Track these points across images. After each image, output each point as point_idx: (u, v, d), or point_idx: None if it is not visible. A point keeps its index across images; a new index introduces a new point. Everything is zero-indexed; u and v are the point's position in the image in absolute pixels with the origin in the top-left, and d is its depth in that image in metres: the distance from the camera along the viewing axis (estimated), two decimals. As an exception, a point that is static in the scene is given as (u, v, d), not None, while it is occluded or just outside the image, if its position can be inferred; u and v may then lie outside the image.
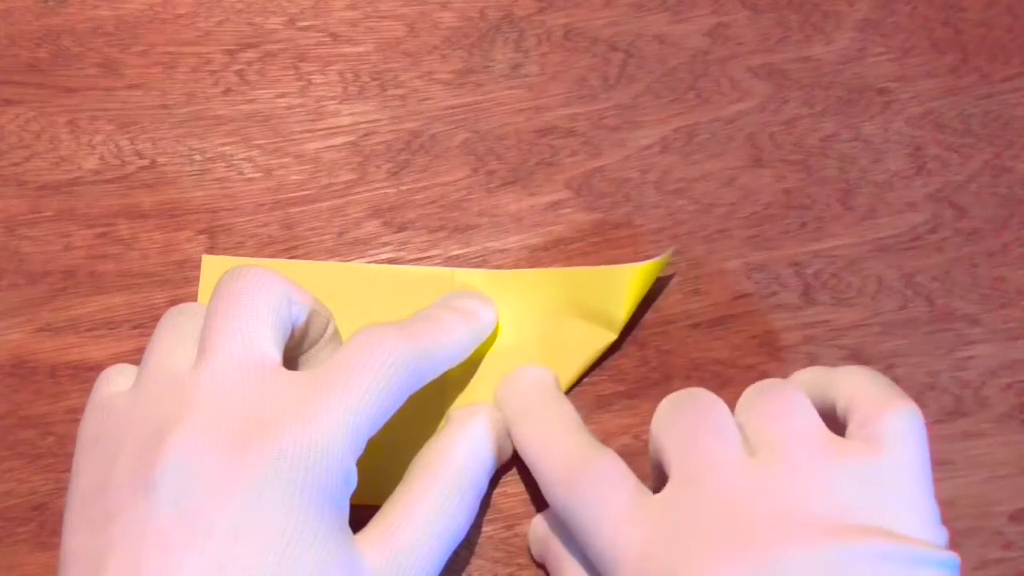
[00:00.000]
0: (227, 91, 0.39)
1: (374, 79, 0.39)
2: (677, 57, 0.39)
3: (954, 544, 0.32)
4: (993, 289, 0.37)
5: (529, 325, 0.36)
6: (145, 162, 0.38)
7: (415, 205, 0.38)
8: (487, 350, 0.36)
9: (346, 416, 0.28)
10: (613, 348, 0.36)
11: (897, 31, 0.39)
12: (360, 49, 0.39)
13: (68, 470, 0.30)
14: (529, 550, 0.35)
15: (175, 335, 0.30)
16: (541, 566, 0.35)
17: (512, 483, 0.36)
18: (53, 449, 0.36)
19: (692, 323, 0.37)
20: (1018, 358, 0.37)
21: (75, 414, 0.36)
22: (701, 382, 0.36)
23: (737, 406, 0.31)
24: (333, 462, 0.28)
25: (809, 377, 0.32)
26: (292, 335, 0.31)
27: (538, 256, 0.37)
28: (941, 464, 0.35)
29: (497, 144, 0.38)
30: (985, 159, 0.38)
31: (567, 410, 0.34)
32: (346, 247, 0.37)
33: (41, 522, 0.35)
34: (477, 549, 0.35)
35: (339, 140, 0.38)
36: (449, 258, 0.37)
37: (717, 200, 0.38)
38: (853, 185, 0.38)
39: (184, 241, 0.37)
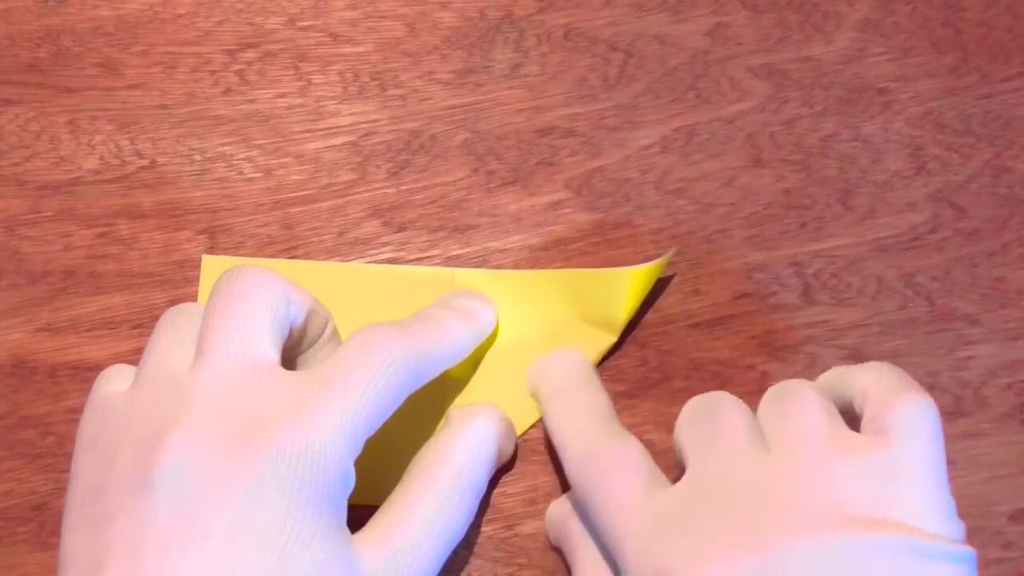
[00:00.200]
0: (227, 91, 0.39)
1: (374, 79, 0.39)
2: (677, 57, 0.39)
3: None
4: (993, 289, 0.37)
5: (529, 325, 0.36)
6: (145, 162, 0.38)
7: (415, 205, 0.38)
8: (487, 350, 0.36)
9: (344, 416, 0.28)
10: (613, 349, 0.36)
11: (897, 31, 0.39)
12: (360, 49, 0.39)
13: (68, 470, 0.30)
14: (538, 541, 0.35)
15: (174, 335, 0.30)
16: (557, 550, 0.35)
17: (512, 483, 0.36)
18: (53, 449, 0.36)
19: (692, 323, 0.37)
20: (1018, 358, 0.37)
21: (75, 414, 0.36)
22: (701, 382, 0.36)
23: (759, 409, 0.31)
24: (331, 462, 0.28)
25: (831, 375, 0.32)
26: (291, 335, 0.31)
27: (538, 256, 0.37)
28: (941, 464, 0.35)
29: (497, 144, 0.38)
30: (985, 159, 0.38)
31: (598, 395, 0.34)
32: (346, 247, 0.37)
33: (41, 522, 0.35)
34: (477, 549, 0.35)
35: (339, 140, 0.38)
36: (449, 258, 0.37)
37: (717, 200, 0.38)
38: (853, 185, 0.38)
39: (184, 241, 0.37)
